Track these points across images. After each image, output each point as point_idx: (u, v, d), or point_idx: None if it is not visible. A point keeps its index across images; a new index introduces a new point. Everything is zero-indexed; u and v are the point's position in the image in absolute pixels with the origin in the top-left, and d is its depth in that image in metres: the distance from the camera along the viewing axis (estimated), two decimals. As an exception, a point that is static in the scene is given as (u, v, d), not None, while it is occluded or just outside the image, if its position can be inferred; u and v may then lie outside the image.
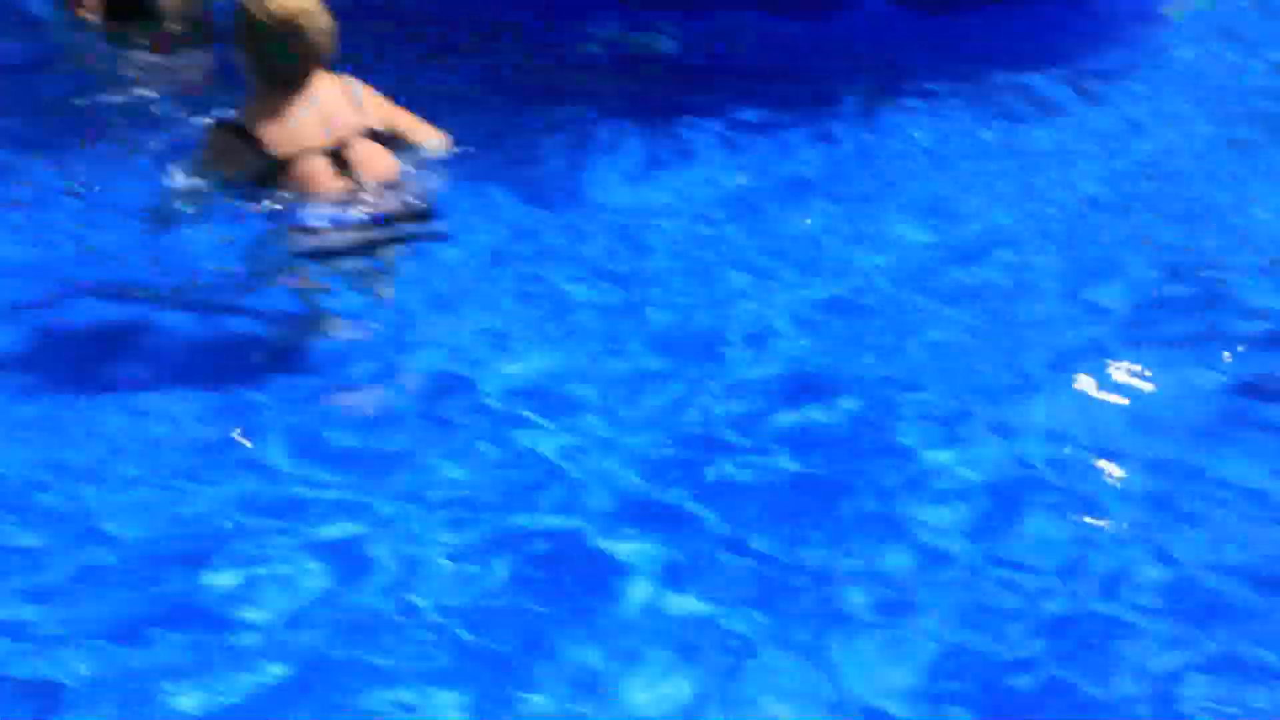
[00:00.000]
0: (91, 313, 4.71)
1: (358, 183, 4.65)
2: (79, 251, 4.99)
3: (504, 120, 5.91)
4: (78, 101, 5.93)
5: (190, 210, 4.67)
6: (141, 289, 4.77)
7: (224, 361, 4.50)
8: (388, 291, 4.71)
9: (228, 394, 4.35)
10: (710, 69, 6.66)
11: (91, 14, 6.42)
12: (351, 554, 3.71)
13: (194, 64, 6.33)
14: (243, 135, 4.59)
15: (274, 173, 4.58)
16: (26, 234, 5.08)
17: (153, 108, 5.83)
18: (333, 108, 4.66)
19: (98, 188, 5.30)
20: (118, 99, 5.93)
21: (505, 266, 5.00)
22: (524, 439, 4.17)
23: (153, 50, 6.35)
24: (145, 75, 6.16)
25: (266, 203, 4.61)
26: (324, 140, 4.62)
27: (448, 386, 4.41)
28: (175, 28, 6.44)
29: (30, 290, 4.78)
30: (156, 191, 4.79)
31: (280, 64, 4.61)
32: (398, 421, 4.27)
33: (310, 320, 4.66)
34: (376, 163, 4.71)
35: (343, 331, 4.61)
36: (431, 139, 4.84)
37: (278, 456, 4.09)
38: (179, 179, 4.67)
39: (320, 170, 4.62)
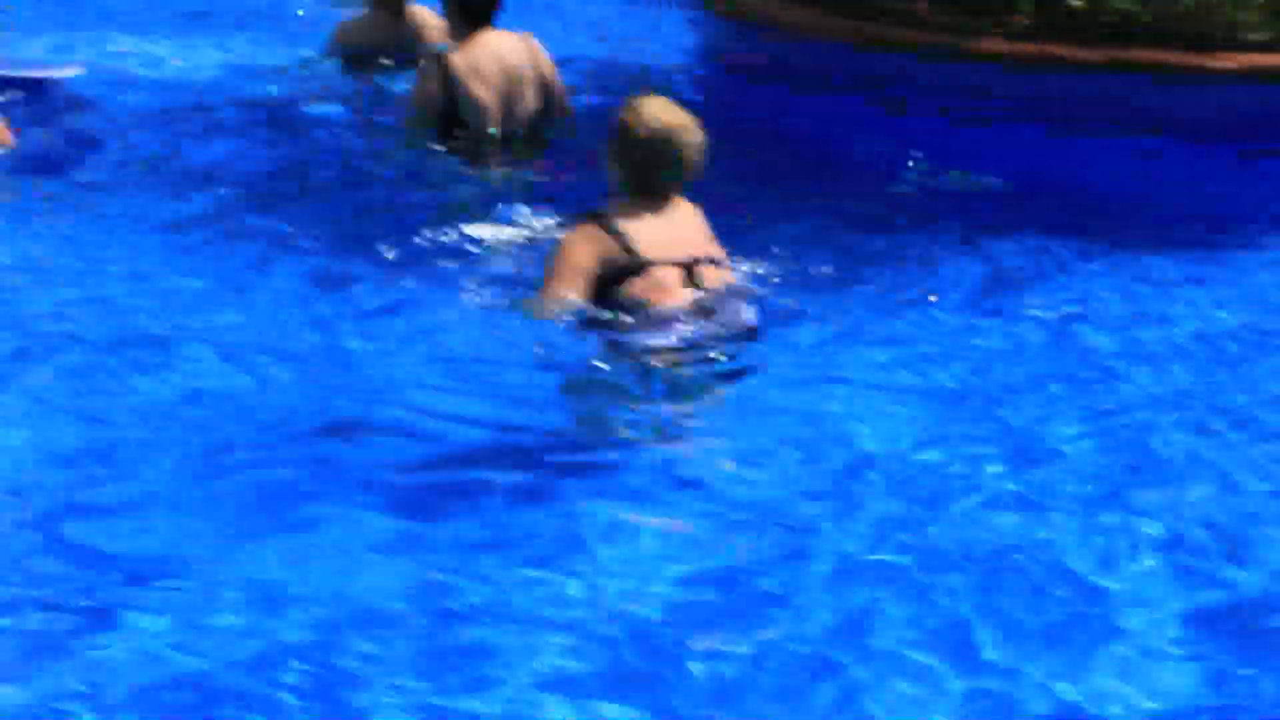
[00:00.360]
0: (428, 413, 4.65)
1: (702, 299, 4.73)
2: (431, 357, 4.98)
3: (825, 250, 5.79)
4: (418, 218, 5.97)
5: (548, 309, 4.73)
6: (481, 389, 4.77)
7: (543, 456, 4.43)
8: (713, 405, 4.69)
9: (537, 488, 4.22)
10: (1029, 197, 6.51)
11: (424, 132, 6.55)
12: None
13: (524, 180, 6.44)
14: (610, 231, 4.68)
15: (630, 274, 4.67)
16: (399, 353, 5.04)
17: (488, 221, 5.86)
18: (688, 226, 4.78)
19: (444, 297, 5.29)
20: (460, 214, 5.96)
21: (816, 394, 4.81)
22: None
23: (481, 166, 6.47)
24: (483, 191, 6.28)
25: (615, 303, 4.67)
26: (682, 254, 4.73)
27: (748, 503, 4.18)
28: (503, 143, 6.55)
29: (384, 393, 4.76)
30: (504, 295, 4.97)
31: (650, 176, 4.72)
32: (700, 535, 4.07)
33: (635, 424, 4.60)
34: (718, 284, 4.81)
35: (667, 439, 4.54)
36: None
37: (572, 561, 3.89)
38: (548, 291, 4.73)
39: (674, 281, 4.71)
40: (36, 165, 6.33)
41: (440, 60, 6.50)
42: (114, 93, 7.52)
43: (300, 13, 9.90)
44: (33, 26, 8.57)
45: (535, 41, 6.64)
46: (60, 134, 6.74)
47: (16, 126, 6.37)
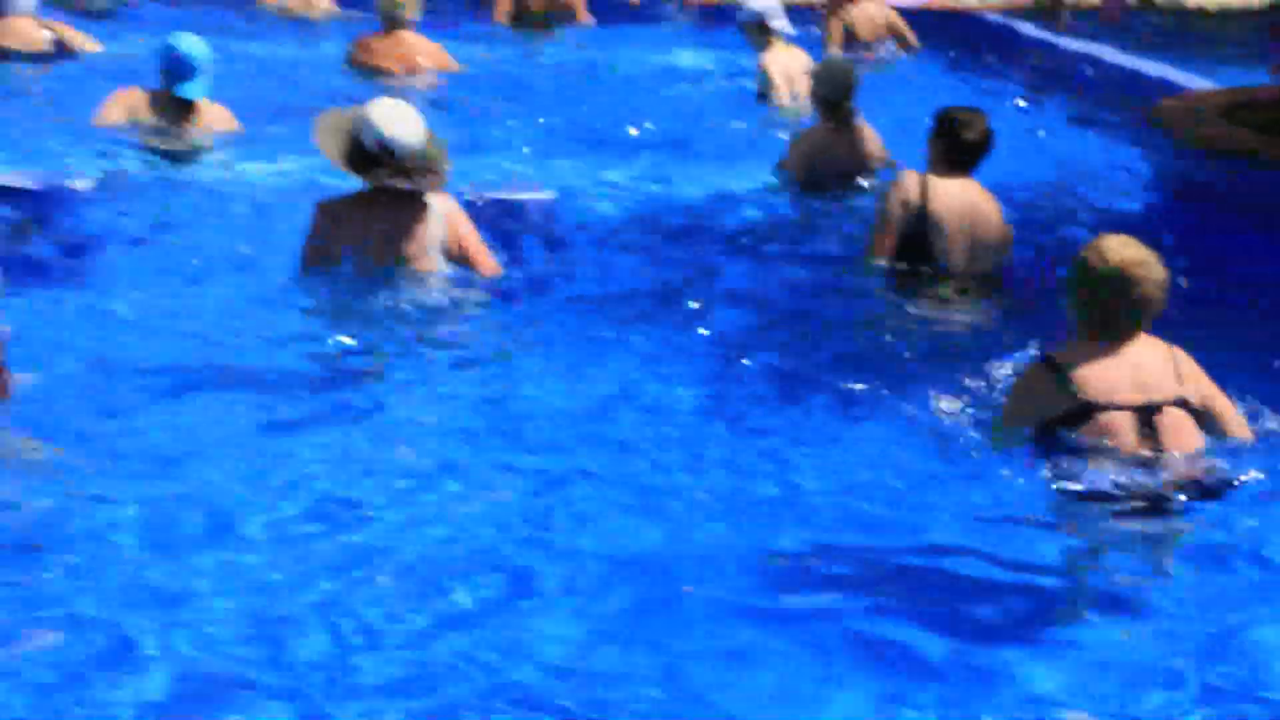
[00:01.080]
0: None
1: (1158, 449, 4.53)
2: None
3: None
4: (875, 348, 6.04)
5: (997, 446, 4.70)
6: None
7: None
8: (1167, 564, 4.43)
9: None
10: None
11: (884, 260, 6.53)
12: None
13: (979, 312, 6.37)
14: (1058, 373, 4.57)
15: (1078, 417, 4.54)
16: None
17: (943, 356, 5.85)
18: (1152, 368, 4.59)
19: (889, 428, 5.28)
20: (911, 346, 6.00)
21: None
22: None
23: (939, 299, 6.43)
24: (934, 323, 6.28)
25: (1063, 444, 4.56)
26: (1136, 398, 4.54)
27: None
28: (960, 277, 6.49)
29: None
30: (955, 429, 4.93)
31: (1110, 313, 4.59)
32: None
33: (1066, 568, 4.47)
34: (1183, 434, 4.57)
35: (1089, 586, 4.39)
36: (1240, 429, 4.69)
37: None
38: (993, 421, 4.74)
39: (1125, 426, 4.54)
40: (510, 283, 6.54)
41: (914, 175, 6.44)
42: (579, 215, 7.77)
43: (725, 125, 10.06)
44: (503, 152, 8.96)
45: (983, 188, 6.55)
46: (531, 253, 6.96)
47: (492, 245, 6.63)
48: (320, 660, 3.80)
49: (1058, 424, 4.57)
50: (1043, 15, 14.72)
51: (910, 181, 6.42)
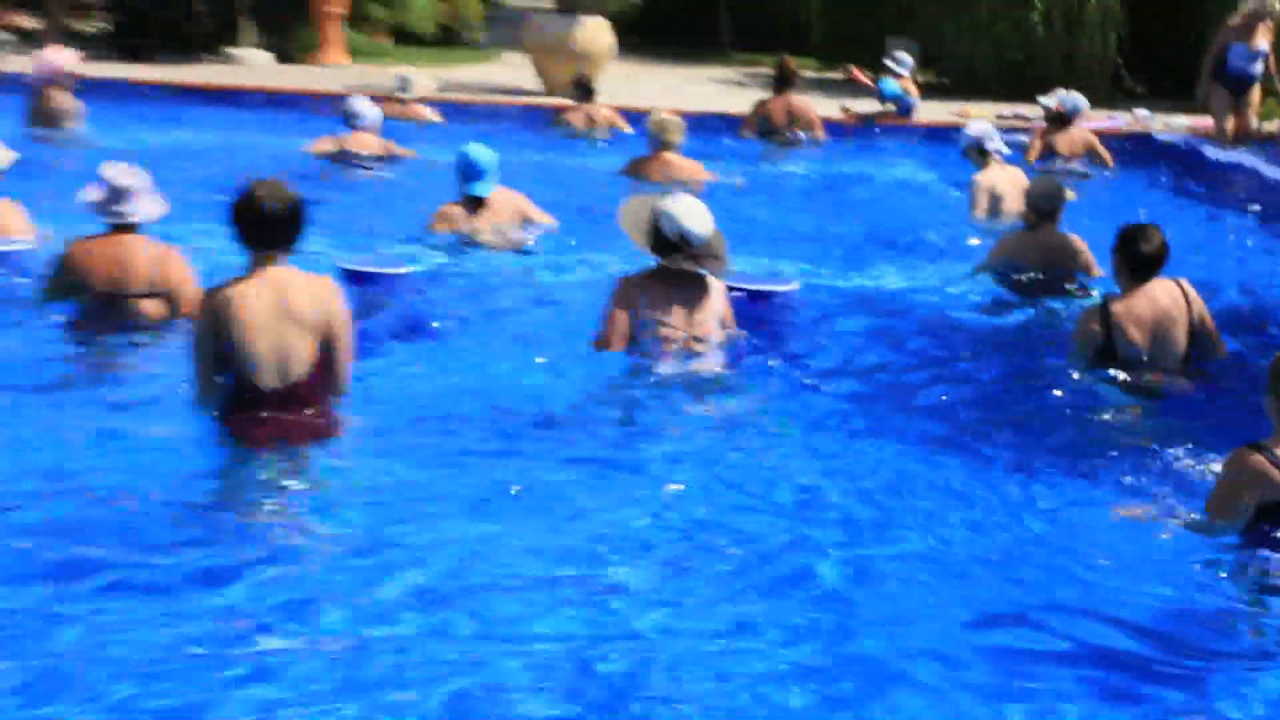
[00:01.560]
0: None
1: None
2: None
3: None
4: (1075, 434, 6.29)
5: (1204, 530, 4.80)
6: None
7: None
8: None
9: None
10: None
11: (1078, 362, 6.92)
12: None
13: (1174, 405, 6.59)
14: (1273, 462, 4.65)
15: None
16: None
17: (1141, 447, 6.00)
18: None
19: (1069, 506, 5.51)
20: (1109, 436, 6.23)
21: None
22: None
23: (1131, 394, 6.70)
24: (1133, 414, 6.56)
25: (1264, 536, 4.64)
26: None
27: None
28: (1152, 375, 6.79)
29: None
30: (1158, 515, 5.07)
31: None
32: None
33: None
34: None
35: None
36: None
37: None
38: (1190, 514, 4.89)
39: None
40: (766, 361, 7.12)
41: (1104, 306, 6.86)
42: (817, 306, 8.36)
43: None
44: (753, 249, 9.35)
45: (1188, 286, 6.87)
46: (778, 339, 7.58)
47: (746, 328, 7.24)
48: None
49: (1272, 513, 4.62)
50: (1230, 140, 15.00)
51: (1091, 318, 6.87)
